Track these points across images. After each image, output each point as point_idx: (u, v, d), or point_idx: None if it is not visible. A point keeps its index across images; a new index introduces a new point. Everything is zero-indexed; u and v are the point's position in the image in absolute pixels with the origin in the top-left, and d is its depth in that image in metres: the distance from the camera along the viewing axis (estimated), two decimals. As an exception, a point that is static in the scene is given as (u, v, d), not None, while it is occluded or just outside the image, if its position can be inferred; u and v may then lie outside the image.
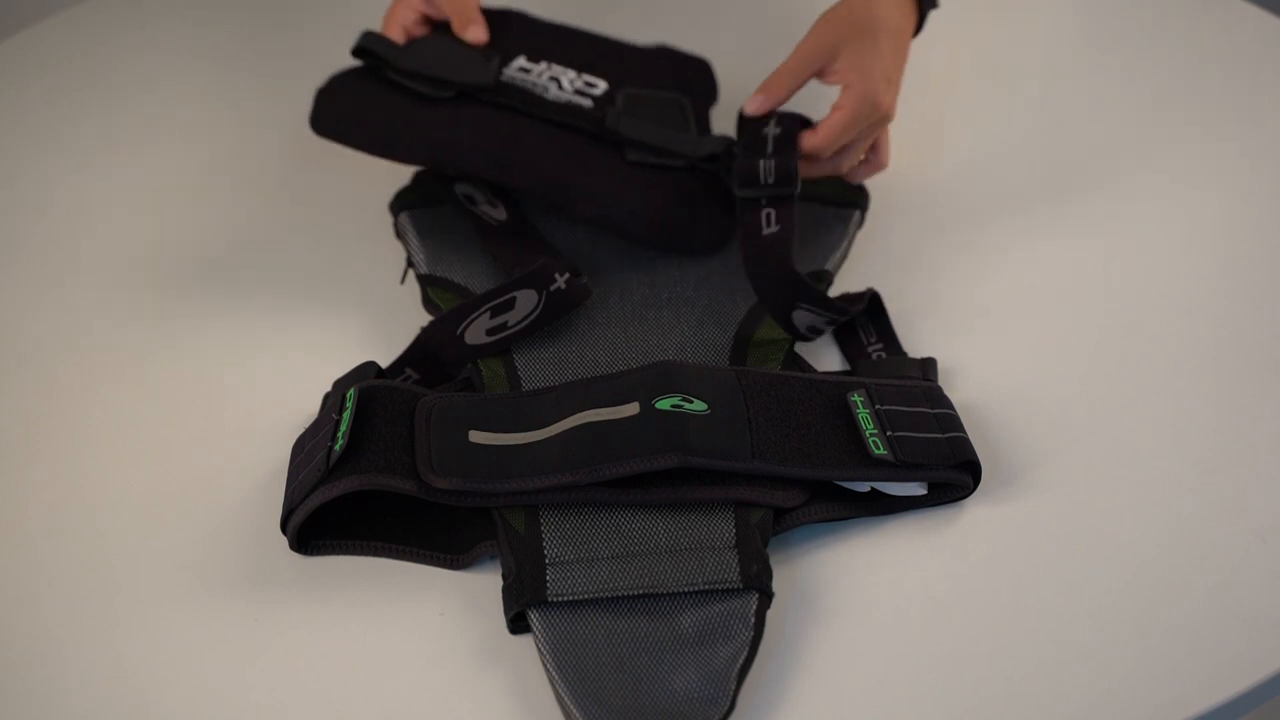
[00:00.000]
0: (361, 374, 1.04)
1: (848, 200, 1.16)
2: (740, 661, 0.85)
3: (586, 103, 1.15)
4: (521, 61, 1.17)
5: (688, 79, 1.24)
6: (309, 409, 1.03)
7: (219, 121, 1.37)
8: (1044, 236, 1.17)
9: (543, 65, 1.17)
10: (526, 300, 1.05)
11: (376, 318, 1.12)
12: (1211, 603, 0.89)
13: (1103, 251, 1.16)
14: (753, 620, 0.87)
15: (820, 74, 1.09)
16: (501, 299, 1.05)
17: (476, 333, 1.05)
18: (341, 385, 1.04)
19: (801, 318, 1.05)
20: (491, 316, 1.04)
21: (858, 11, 1.09)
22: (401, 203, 1.19)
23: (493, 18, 1.22)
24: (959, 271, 1.14)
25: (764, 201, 1.06)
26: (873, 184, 1.18)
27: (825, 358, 1.08)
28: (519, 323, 1.05)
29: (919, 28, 1.13)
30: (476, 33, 1.17)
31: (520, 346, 1.06)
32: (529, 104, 1.14)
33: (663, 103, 1.17)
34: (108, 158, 1.32)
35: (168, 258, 1.21)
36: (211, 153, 1.33)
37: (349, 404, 0.95)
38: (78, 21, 1.50)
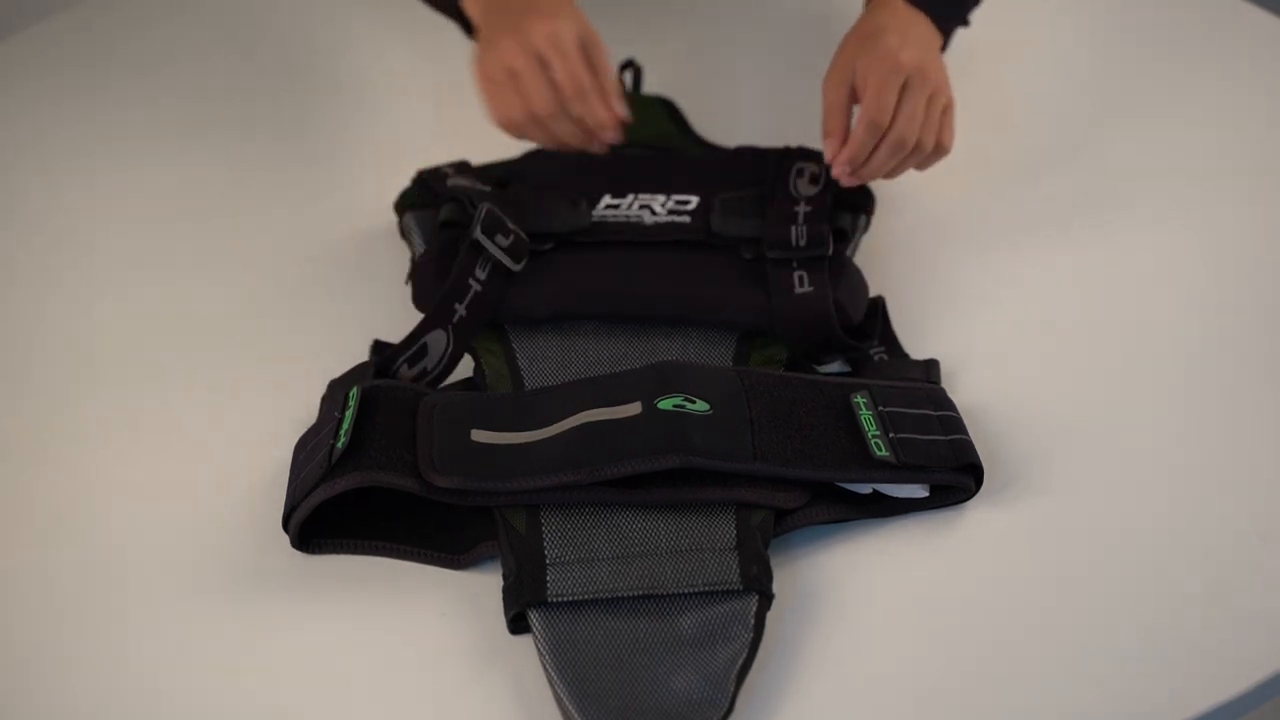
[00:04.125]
0: (359, 374, 1.04)
1: (853, 204, 1.16)
2: (740, 663, 0.85)
3: (684, 219, 1.13)
4: (608, 199, 1.15)
5: (767, 171, 1.20)
6: (313, 409, 1.03)
7: (219, 121, 1.37)
8: (1046, 239, 1.17)
9: (629, 197, 1.15)
10: (436, 341, 1.05)
11: (381, 317, 1.12)
12: (1212, 603, 0.89)
13: (1105, 254, 1.16)
14: (752, 622, 0.87)
15: (855, 94, 1.10)
16: (413, 349, 1.05)
17: None
18: (337, 386, 1.04)
19: (826, 361, 1.07)
20: (409, 367, 1.05)
21: (862, 27, 1.12)
22: (406, 203, 1.19)
23: (566, 163, 1.20)
24: (962, 274, 1.14)
25: (795, 264, 1.07)
26: (876, 186, 1.18)
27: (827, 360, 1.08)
28: (438, 364, 1.05)
29: (945, 45, 1.14)
30: (619, 109, 1.08)
31: (523, 345, 1.06)
32: (628, 234, 1.12)
33: (755, 199, 1.13)
34: (108, 158, 1.32)
35: (169, 257, 1.21)
36: (212, 152, 1.33)
37: (351, 402, 0.96)
38: (78, 22, 1.50)
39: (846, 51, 1.11)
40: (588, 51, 1.06)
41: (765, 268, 1.08)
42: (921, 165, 1.12)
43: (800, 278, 1.07)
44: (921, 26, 1.12)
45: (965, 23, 1.17)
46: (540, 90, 1.05)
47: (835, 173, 1.10)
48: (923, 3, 1.13)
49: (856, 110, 1.10)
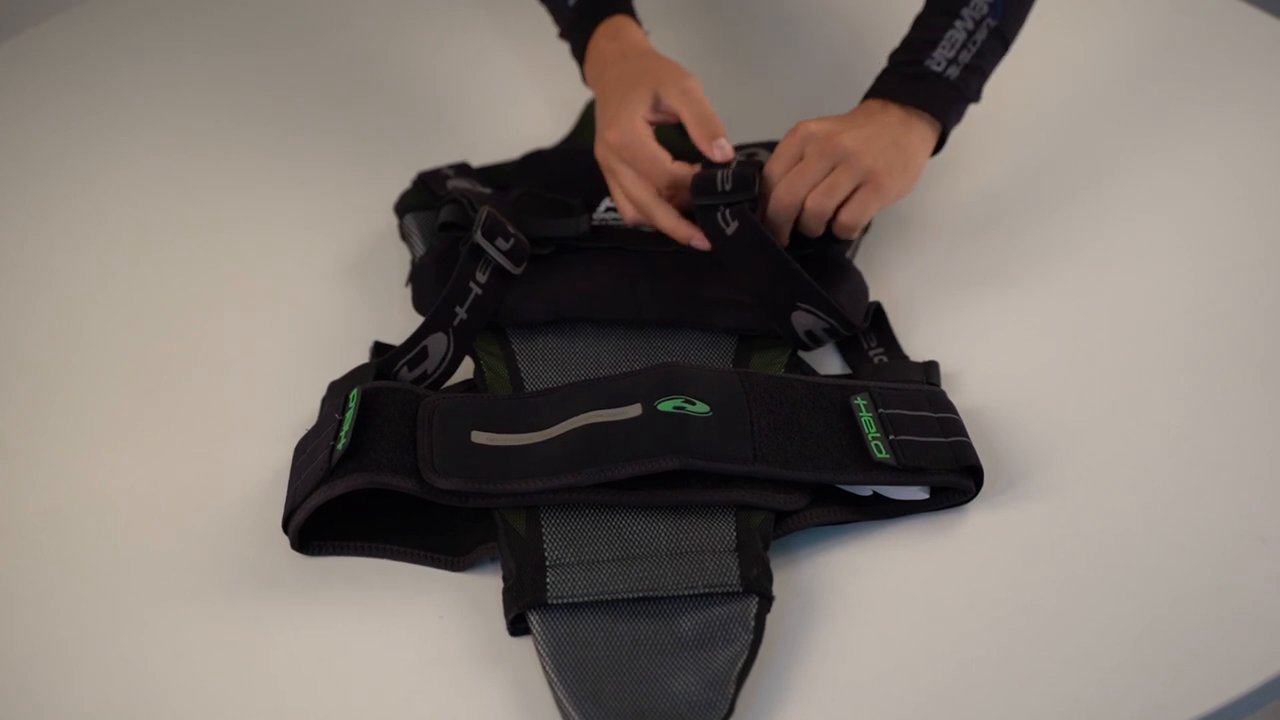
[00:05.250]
0: (359, 376, 1.04)
1: None
2: (739, 665, 0.85)
3: None
4: (607, 202, 1.15)
5: None
6: (312, 410, 1.03)
7: (220, 121, 1.37)
8: (1046, 241, 1.17)
9: None
10: (437, 344, 1.05)
11: (382, 319, 1.12)
12: (1213, 605, 0.89)
13: (1104, 255, 1.16)
14: (752, 624, 0.87)
15: None
16: (414, 352, 1.04)
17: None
18: (337, 388, 1.04)
19: (801, 320, 1.05)
20: (409, 370, 1.04)
21: (852, 114, 1.10)
22: (406, 204, 1.19)
23: (566, 165, 1.21)
24: (962, 276, 1.14)
25: (721, 207, 1.06)
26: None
27: (827, 362, 1.08)
28: (439, 367, 1.05)
29: (943, 140, 1.12)
30: (724, 149, 1.07)
31: (523, 347, 1.06)
32: (628, 240, 1.12)
33: (754, 203, 1.09)
34: (108, 158, 1.33)
35: (169, 257, 1.21)
36: (212, 152, 1.33)
37: (352, 404, 0.96)
38: (79, 22, 1.50)
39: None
40: (670, 110, 1.08)
41: (695, 218, 1.07)
42: (838, 232, 1.09)
43: (724, 216, 1.05)
44: (910, 131, 1.09)
45: (976, 98, 1.14)
46: (623, 200, 1.10)
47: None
48: (923, 102, 1.09)
49: None
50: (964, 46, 1.11)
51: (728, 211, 1.05)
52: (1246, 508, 0.95)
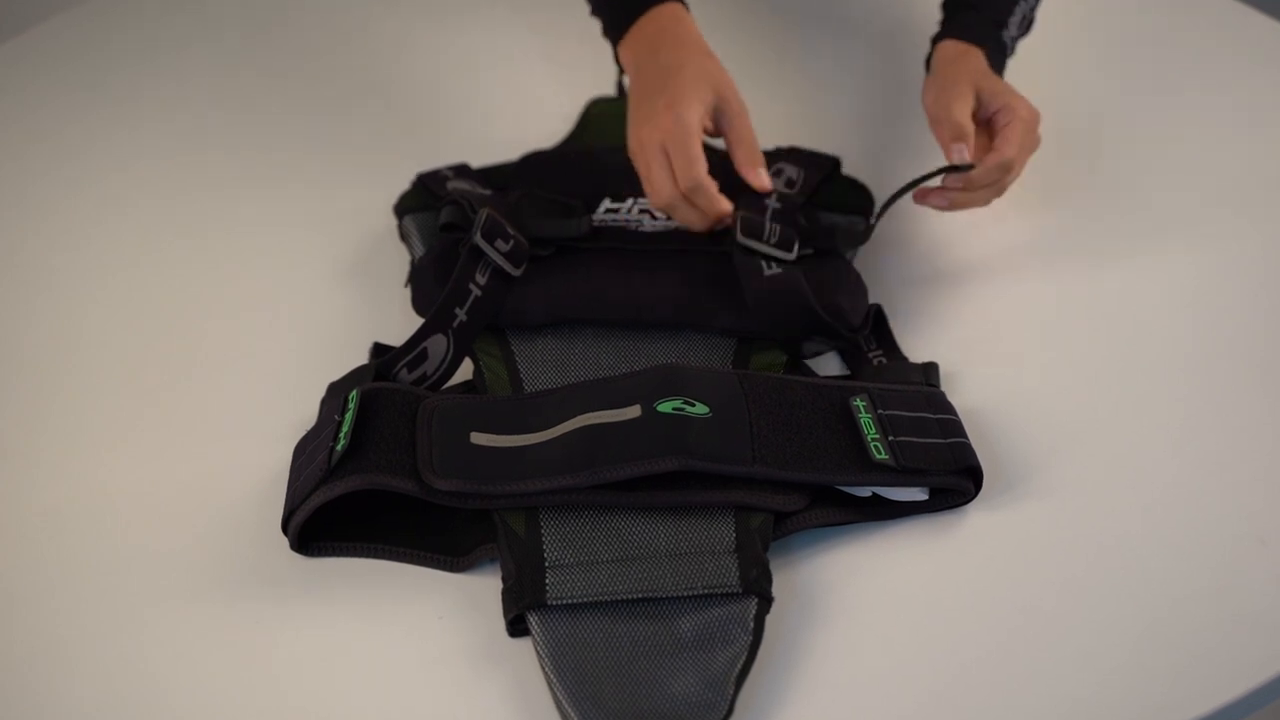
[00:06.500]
0: (358, 377, 1.04)
1: (855, 207, 1.16)
2: (739, 666, 0.85)
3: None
4: (607, 203, 1.16)
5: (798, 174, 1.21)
6: (312, 411, 1.03)
7: (220, 122, 1.37)
8: (1045, 243, 1.17)
9: (629, 201, 1.15)
10: (437, 346, 1.05)
11: (381, 319, 1.12)
12: (1212, 606, 0.89)
13: (1104, 257, 1.16)
14: (751, 625, 0.87)
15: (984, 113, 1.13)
16: (414, 353, 1.04)
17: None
18: (337, 389, 1.04)
19: (808, 344, 1.07)
20: (409, 371, 1.04)
21: (971, 62, 1.15)
22: (405, 205, 1.19)
23: (566, 166, 1.21)
24: (961, 277, 1.15)
25: (762, 255, 1.07)
26: (875, 186, 1.18)
27: (826, 364, 1.08)
28: (439, 369, 1.05)
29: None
30: (762, 179, 1.10)
31: (523, 348, 1.06)
32: (629, 241, 1.12)
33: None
34: (109, 157, 1.33)
35: (169, 258, 1.21)
36: (213, 153, 1.33)
37: (351, 405, 0.96)
38: (79, 22, 1.50)
39: (963, 77, 1.12)
40: (722, 122, 1.09)
41: (733, 254, 1.07)
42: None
43: (767, 262, 1.06)
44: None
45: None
46: (663, 183, 1.08)
47: (945, 184, 1.10)
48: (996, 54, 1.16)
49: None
50: (1019, 25, 1.19)
51: (771, 262, 1.06)
52: (1246, 509, 0.95)
